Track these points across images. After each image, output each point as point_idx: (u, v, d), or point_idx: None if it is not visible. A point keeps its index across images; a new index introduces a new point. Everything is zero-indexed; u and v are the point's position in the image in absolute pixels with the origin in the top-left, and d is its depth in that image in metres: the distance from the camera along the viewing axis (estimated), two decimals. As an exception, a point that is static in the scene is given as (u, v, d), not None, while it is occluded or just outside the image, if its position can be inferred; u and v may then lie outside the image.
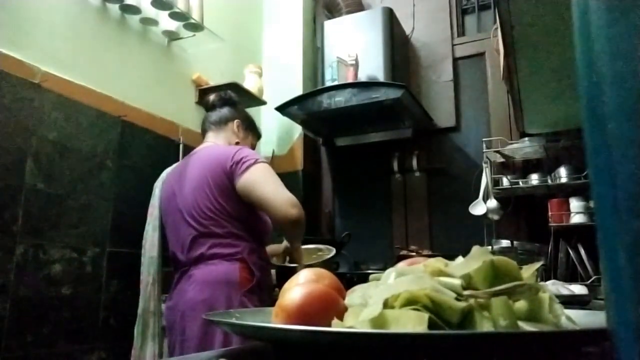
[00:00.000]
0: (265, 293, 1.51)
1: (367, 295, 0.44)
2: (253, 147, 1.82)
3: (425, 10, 2.73)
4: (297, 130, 2.68)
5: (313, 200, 2.74)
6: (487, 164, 2.25)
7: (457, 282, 0.40)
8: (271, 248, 1.81)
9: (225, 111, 1.74)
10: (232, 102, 1.77)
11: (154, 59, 2.10)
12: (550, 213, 2.06)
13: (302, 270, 0.54)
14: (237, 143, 1.68)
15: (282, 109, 2.38)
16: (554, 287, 1.25)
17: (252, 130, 1.81)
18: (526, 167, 2.33)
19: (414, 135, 2.53)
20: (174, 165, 1.77)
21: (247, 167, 1.45)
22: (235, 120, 1.73)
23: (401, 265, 0.49)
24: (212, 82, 2.30)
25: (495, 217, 2.21)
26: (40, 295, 1.52)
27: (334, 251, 1.79)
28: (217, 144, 1.65)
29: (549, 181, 2.10)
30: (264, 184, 1.45)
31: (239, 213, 1.48)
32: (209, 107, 1.77)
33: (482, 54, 2.56)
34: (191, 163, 1.59)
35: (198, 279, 1.43)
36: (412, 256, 1.55)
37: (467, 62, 2.61)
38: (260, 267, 1.50)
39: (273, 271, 1.94)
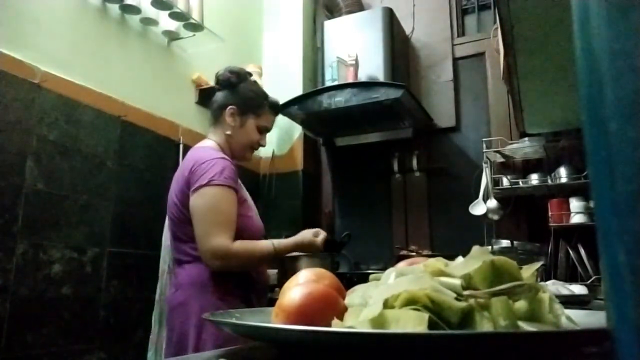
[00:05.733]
0: (253, 294, 1.44)
1: (367, 295, 0.44)
2: (265, 128, 1.60)
3: (425, 10, 2.73)
4: (297, 130, 2.68)
5: (313, 200, 2.74)
6: (487, 164, 2.25)
7: (457, 282, 0.40)
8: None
9: (220, 97, 1.55)
10: (230, 83, 1.56)
11: (154, 59, 2.10)
12: (550, 213, 2.06)
13: (302, 270, 0.54)
14: (228, 135, 1.53)
15: (282, 109, 2.37)
16: (554, 287, 1.25)
17: (254, 111, 1.56)
18: (526, 167, 2.33)
19: (414, 135, 2.53)
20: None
21: (197, 189, 1.34)
22: (229, 107, 1.52)
23: (401, 265, 0.49)
24: (212, 82, 2.30)
25: (495, 217, 2.21)
26: (40, 295, 1.52)
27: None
28: (202, 147, 1.51)
29: (549, 181, 2.10)
30: (200, 219, 1.33)
31: None
32: (215, 90, 1.61)
33: (482, 54, 2.56)
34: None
35: (177, 282, 1.42)
36: (412, 256, 1.55)
37: (467, 62, 2.61)
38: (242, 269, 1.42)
39: (274, 271, 1.93)
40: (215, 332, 1.28)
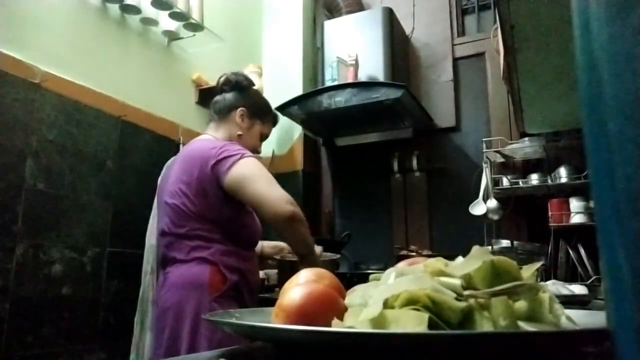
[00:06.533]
0: (248, 298, 1.42)
1: (367, 295, 0.44)
2: (265, 136, 1.67)
3: (425, 10, 2.73)
4: (297, 130, 2.68)
5: (313, 200, 2.74)
6: (487, 164, 2.25)
7: (457, 282, 0.40)
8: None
9: (230, 98, 1.59)
10: (240, 86, 1.61)
11: (154, 59, 2.10)
12: (550, 213, 2.06)
13: (302, 271, 0.54)
14: (239, 135, 1.56)
15: (282, 109, 2.38)
16: (554, 287, 1.25)
17: (260, 117, 1.63)
18: (526, 167, 2.33)
19: (414, 135, 2.53)
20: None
21: (233, 163, 1.34)
22: (239, 109, 1.57)
23: (401, 265, 0.49)
24: (212, 82, 2.30)
25: (495, 217, 2.21)
26: (40, 295, 1.52)
27: (337, 255, 1.77)
28: (206, 139, 1.52)
29: (549, 181, 2.10)
30: (254, 180, 1.33)
31: (214, 215, 1.38)
32: (217, 91, 1.65)
33: (482, 54, 2.56)
34: (178, 158, 1.51)
35: (171, 282, 1.37)
36: (412, 256, 1.55)
37: (467, 62, 2.61)
38: (238, 270, 1.39)
39: (274, 271, 1.93)
40: (209, 334, 1.26)
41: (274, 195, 1.32)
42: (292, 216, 1.32)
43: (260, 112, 1.64)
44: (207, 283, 1.33)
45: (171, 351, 1.29)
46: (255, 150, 1.63)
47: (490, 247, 2.04)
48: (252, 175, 1.34)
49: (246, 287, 1.42)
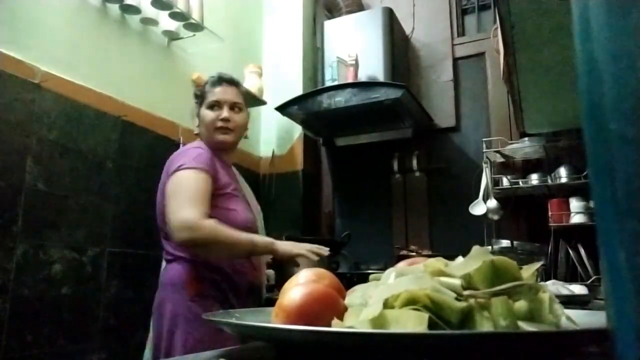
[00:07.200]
0: (231, 295, 1.39)
1: (367, 295, 0.44)
2: (212, 105, 1.53)
3: (425, 10, 2.73)
4: (297, 130, 2.68)
5: (313, 200, 2.74)
6: (487, 164, 2.25)
7: (457, 282, 0.40)
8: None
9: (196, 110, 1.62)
10: (196, 97, 1.62)
11: (154, 59, 2.10)
12: (550, 213, 2.06)
13: (302, 270, 0.54)
14: (196, 134, 1.60)
15: (282, 109, 2.38)
16: (554, 287, 1.25)
17: (201, 101, 1.56)
18: (526, 167, 2.33)
19: (414, 135, 2.53)
20: None
21: (168, 177, 1.38)
22: (196, 114, 1.60)
23: (401, 265, 0.49)
24: (212, 82, 2.30)
25: (495, 217, 2.21)
26: (40, 295, 1.52)
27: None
28: (187, 146, 1.56)
29: (549, 181, 2.10)
30: (170, 199, 1.32)
31: None
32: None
33: (482, 54, 2.56)
34: None
35: (159, 281, 1.42)
36: (412, 256, 1.55)
37: (467, 62, 2.61)
38: (219, 269, 1.37)
39: (270, 271, 1.93)
40: (183, 336, 1.27)
41: (174, 220, 1.28)
42: (187, 243, 1.28)
43: (199, 98, 1.58)
44: (184, 282, 1.34)
45: (155, 351, 1.33)
46: (216, 123, 1.50)
47: (490, 247, 2.04)
48: (172, 192, 1.33)
49: (231, 287, 1.40)
